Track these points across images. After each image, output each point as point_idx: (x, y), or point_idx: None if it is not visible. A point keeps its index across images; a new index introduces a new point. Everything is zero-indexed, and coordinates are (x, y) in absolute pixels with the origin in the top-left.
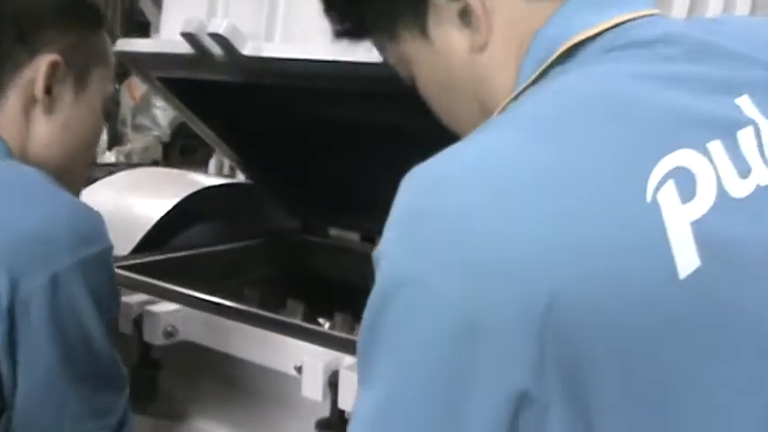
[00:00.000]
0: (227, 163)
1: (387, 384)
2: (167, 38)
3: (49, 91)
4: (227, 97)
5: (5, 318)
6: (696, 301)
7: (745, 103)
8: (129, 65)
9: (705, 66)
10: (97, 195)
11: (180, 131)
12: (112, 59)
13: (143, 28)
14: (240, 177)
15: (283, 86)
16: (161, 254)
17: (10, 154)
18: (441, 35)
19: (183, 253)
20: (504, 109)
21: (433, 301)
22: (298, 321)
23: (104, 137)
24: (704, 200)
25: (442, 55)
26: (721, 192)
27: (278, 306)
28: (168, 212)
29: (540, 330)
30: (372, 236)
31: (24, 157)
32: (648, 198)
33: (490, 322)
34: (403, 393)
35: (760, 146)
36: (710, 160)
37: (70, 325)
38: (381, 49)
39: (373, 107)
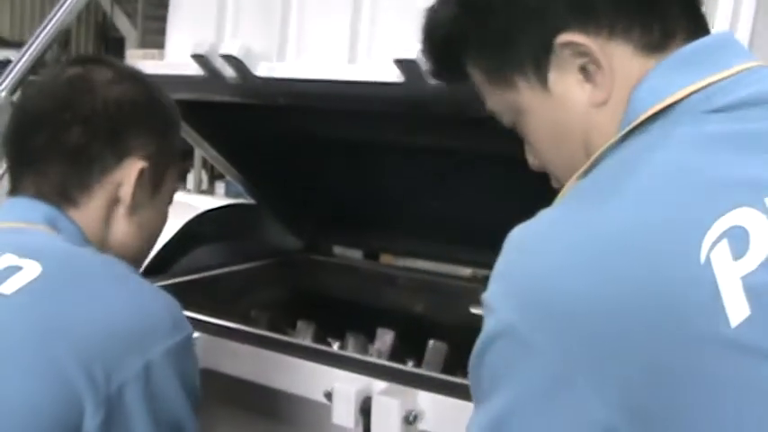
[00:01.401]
0: (205, 178)
1: (494, 411)
2: (174, 59)
3: (133, 194)
4: (233, 118)
5: (102, 408)
6: (745, 345)
7: None
8: None
9: None
10: None
11: None
12: (180, 154)
13: (117, 44)
14: (218, 194)
15: (292, 106)
16: (166, 278)
17: (87, 241)
18: (561, 88)
19: (188, 277)
20: (593, 164)
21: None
22: (326, 347)
23: None
24: (757, 254)
25: (558, 107)
26: None
27: (288, 328)
28: (172, 236)
29: (614, 377)
30: (375, 252)
31: (101, 248)
32: (702, 259)
33: (574, 368)
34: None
35: None
36: (767, 214)
37: (163, 411)
38: (487, 95)
39: (379, 126)
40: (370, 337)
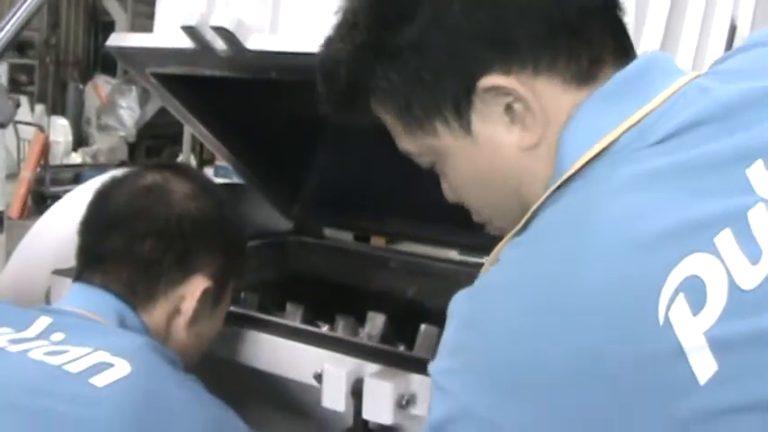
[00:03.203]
0: (194, 163)
1: None
2: (163, 32)
3: (195, 309)
4: (223, 93)
5: None
6: (716, 401)
7: (756, 174)
8: (124, 60)
9: (719, 140)
10: (84, 199)
11: (145, 132)
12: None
13: (107, 28)
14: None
15: (285, 82)
16: None
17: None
18: (486, 132)
19: None
20: (529, 219)
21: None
22: (317, 329)
23: (69, 137)
24: (715, 305)
25: (484, 153)
26: (732, 289)
27: (277, 310)
28: None
29: None
30: (366, 235)
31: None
32: (661, 320)
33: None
34: None
35: None
36: (720, 257)
37: None
38: (399, 137)
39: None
40: (361, 321)
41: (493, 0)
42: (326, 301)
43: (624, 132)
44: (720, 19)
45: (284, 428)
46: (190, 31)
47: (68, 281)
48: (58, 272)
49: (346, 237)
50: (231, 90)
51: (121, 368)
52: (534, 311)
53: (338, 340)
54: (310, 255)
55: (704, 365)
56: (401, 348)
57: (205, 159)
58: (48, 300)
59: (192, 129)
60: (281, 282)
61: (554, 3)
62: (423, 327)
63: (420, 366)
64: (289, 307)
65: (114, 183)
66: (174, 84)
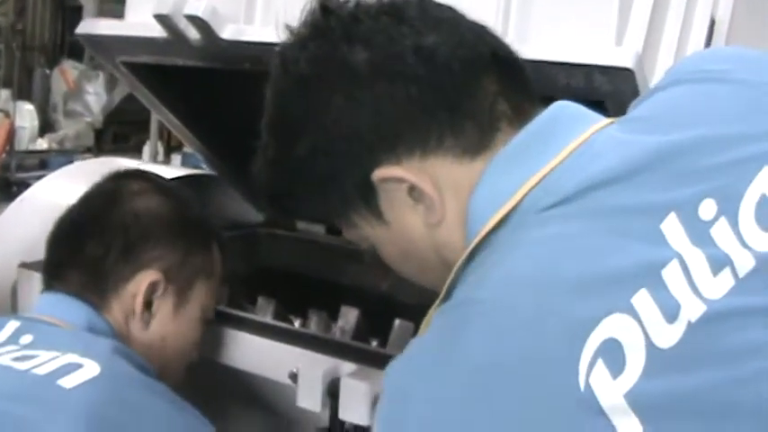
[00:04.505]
0: (161, 150)
1: None
2: (134, 19)
3: (149, 306)
4: (194, 82)
5: None
6: None
7: (670, 228)
8: (93, 48)
9: (629, 197)
10: (52, 189)
11: (113, 118)
12: (219, 271)
13: (74, 13)
14: (174, 164)
15: (259, 72)
16: None
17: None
18: (396, 216)
19: None
20: (450, 289)
21: None
22: (292, 326)
23: (35, 123)
24: (634, 367)
25: (400, 234)
26: (650, 350)
27: (248, 304)
28: None
29: None
30: (339, 228)
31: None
32: (582, 386)
33: None
34: None
35: (688, 278)
36: (637, 318)
37: None
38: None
39: None
40: (334, 315)
41: (368, 100)
42: (299, 295)
43: (528, 193)
44: (701, 14)
45: (258, 427)
46: (162, 19)
47: (35, 274)
48: (24, 265)
49: (318, 229)
50: (202, 79)
51: (90, 369)
52: (458, 386)
53: (313, 338)
54: (282, 247)
55: (629, 428)
56: (374, 344)
57: (173, 146)
58: (14, 293)
59: (161, 118)
60: (253, 275)
61: (427, 88)
62: (397, 321)
63: None
64: (260, 301)
65: (80, 196)
66: (143, 72)
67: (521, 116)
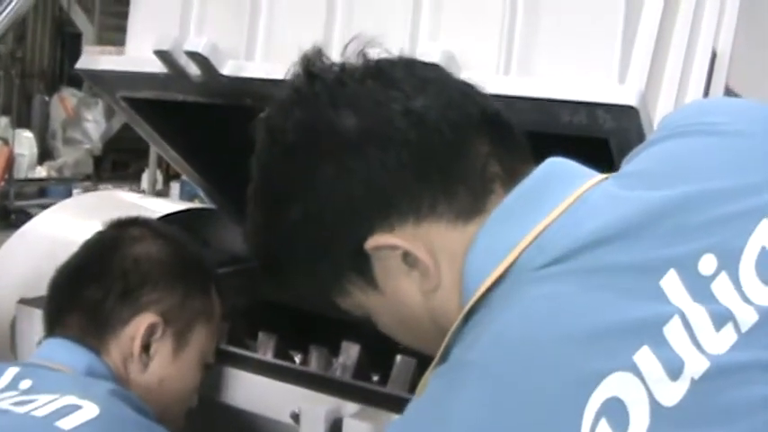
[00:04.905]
0: (160, 178)
1: None
2: (134, 54)
3: (147, 349)
4: (196, 118)
5: None
6: None
7: (670, 284)
8: (93, 83)
9: (627, 254)
10: (51, 223)
11: (111, 146)
12: (218, 314)
13: (73, 40)
14: (173, 194)
15: (259, 108)
16: None
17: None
18: (391, 284)
19: None
20: (445, 351)
21: None
22: (293, 365)
23: (34, 150)
24: (638, 426)
25: (395, 302)
26: (654, 408)
27: (249, 339)
28: None
29: None
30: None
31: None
32: None
33: None
34: None
35: (691, 334)
36: (640, 376)
37: None
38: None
39: None
40: (335, 351)
41: (359, 167)
42: (300, 330)
43: (522, 252)
44: (703, 47)
45: None
46: (163, 55)
47: (34, 311)
48: (24, 301)
49: None
50: (202, 114)
51: (89, 410)
52: None
53: (316, 377)
54: None
55: None
56: (376, 379)
57: (171, 175)
58: (13, 329)
59: (161, 152)
60: (253, 310)
61: (419, 153)
62: (398, 357)
63: (399, 405)
64: (261, 336)
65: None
66: (143, 107)
67: (513, 177)
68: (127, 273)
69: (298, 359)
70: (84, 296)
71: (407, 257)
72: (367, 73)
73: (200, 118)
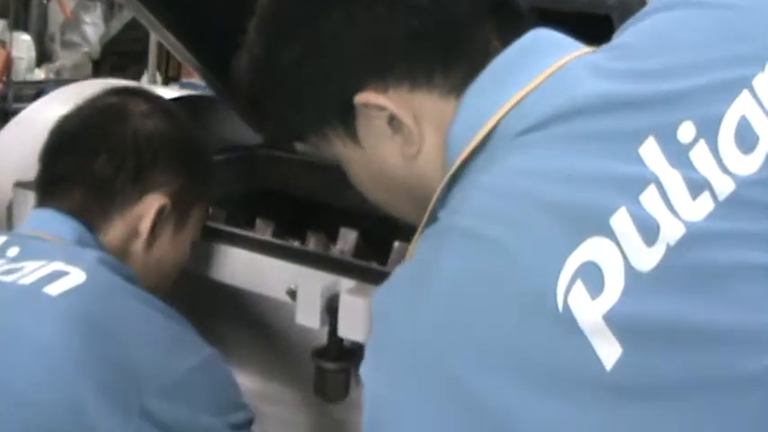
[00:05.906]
0: (159, 80)
1: None
2: None
3: (152, 230)
4: (194, 2)
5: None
6: (623, 388)
7: (649, 151)
8: None
9: (608, 119)
10: (48, 110)
11: (110, 48)
12: (212, 192)
13: None
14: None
15: None
16: None
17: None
18: (372, 142)
19: None
20: (431, 215)
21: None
22: (290, 243)
23: (32, 53)
24: (613, 289)
25: (374, 160)
26: (629, 272)
27: (246, 226)
28: None
29: None
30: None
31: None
32: (560, 306)
33: None
34: None
35: (666, 200)
36: (616, 241)
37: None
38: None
39: None
40: (332, 238)
41: (366, 23)
42: (297, 217)
43: (503, 117)
44: None
45: (253, 346)
46: None
47: (30, 194)
48: (20, 184)
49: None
50: None
51: (76, 276)
52: (431, 309)
53: (312, 255)
54: (280, 169)
55: (608, 350)
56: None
57: (170, 76)
58: (10, 213)
59: (162, 40)
60: (250, 197)
61: (429, 23)
62: (396, 243)
63: None
64: (258, 223)
65: (73, 108)
66: None
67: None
68: (140, 149)
69: (296, 245)
70: (93, 170)
71: (393, 121)
72: None
73: (200, 2)
